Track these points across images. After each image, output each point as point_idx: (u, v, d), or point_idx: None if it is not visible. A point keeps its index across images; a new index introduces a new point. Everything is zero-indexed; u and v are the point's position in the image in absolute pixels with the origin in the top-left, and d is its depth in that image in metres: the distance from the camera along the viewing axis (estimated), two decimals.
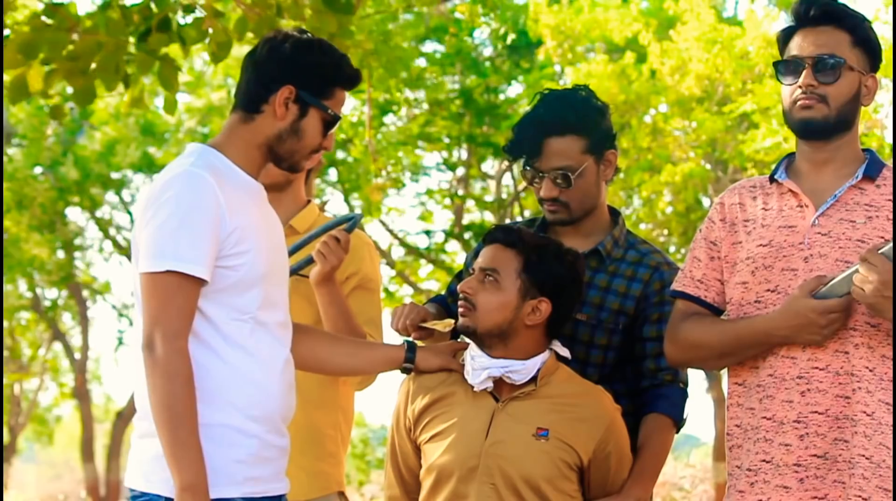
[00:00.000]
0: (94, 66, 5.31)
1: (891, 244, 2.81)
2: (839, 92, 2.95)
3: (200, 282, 2.77)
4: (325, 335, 3.29)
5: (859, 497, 2.84)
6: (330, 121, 2.96)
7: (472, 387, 3.22)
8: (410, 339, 3.31)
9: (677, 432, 3.42)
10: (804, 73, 2.97)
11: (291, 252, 3.38)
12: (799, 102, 2.97)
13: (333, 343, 3.25)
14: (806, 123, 2.96)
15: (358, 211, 3.86)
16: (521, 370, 3.19)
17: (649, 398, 3.41)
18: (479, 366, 3.20)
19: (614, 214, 3.59)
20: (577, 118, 3.46)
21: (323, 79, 2.94)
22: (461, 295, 3.22)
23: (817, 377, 2.89)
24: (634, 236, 3.58)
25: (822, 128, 2.96)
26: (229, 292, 2.82)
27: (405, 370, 3.31)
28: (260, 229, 2.90)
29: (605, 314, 3.43)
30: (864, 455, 2.85)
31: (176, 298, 2.74)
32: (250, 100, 2.92)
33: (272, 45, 2.94)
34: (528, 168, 3.52)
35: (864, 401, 2.87)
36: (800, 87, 2.97)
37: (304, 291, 3.53)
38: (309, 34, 2.99)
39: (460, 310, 3.21)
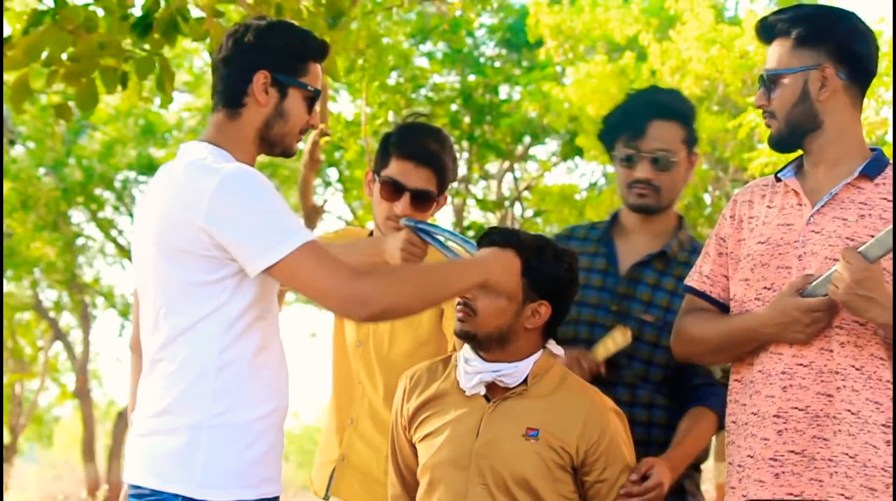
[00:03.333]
0: (94, 67, 5.32)
1: (871, 242, 2.81)
2: (781, 103, 2.98)
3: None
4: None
5: (842, 495, 2.83)
6: (311, 97, 2.96)
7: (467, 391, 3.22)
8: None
9: (715, 433, 3.46)
10: (759, 92, 3.05)
11: (420, 228, 3.44)
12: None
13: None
14: (769, 140, 3.02)
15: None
16: (512, 373, 3.18)
17: (701, 394, 3.46)
18: (471, 370, 3.19)
19: (679, 218, 3.68)
20: (682, 107, 3.62)
21: (293, 57, 2.94)
22: (460, 300, 3.20)
23: (800, 374, 2.90)
24: (697, 241, 3.64)
25: (778, 140, 3.00)
26: (252, 283, 2.82)
27: None
28: None
29: (671, 316, 3.43)
30: (847, 454, 2.84)
31: (322, 256, 2.74)
32: (231, 96, 2.92)
33: (235, 38, 2.94)
34: (626, 148, 3.57)
35: (850, 399, 2.86)
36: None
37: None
38: (268, 19, 2.99)
39: (459, 315, 3.19)
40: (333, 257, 2.76)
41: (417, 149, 3.57)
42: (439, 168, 3.59)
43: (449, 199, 19.78)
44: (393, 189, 3.57)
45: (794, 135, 2.98)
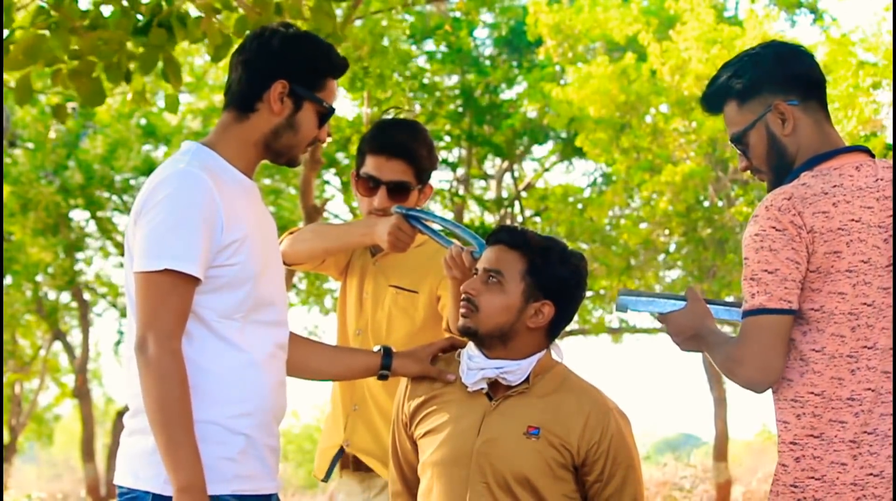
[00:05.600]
0: (97, 64, 5.33)
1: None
2: (758, 157, 3.04)
3: (195, 281, 2.77)
4: (308, 341, 3.29)
5: None
6: (324, 113, 2.96)
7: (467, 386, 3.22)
8: (388, 345, 3.38)
9: None
10: (738, 156, 3.13)
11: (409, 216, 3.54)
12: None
13: (314, 349, 3.28)
14: (767, 191, 3.07)
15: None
16: (515, 370, 3.18)
17: None
18: (474, 366, 3.20)
19: None
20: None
21: (314, 71, 2.94)
22: (463, 295, 3.21)
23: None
24: None
25: (775, 187, 3.03)
26: (220, 290, 2.82)
27: (382, 377, 3.34)
28: (254, 228, 2.89)
29: None
30: None
31: (170, 298, 2.74)
32: (243, 98, 2.92)
33: (260, 41, 2.93)
34: None
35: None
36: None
37: (403, 304, 3.67)
38: (295, 28, 2.98)
39: (462, 311, 3.20)
40: (179, 305, 2.75)
41: (388, 142, 3.67)
42: (412, 158, 3.67)
43: (449, 199, 19.77)
44: (369, 184, 3.69)
45: (781, 176, 3.03)
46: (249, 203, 2.92)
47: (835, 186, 2.91)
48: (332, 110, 2.97)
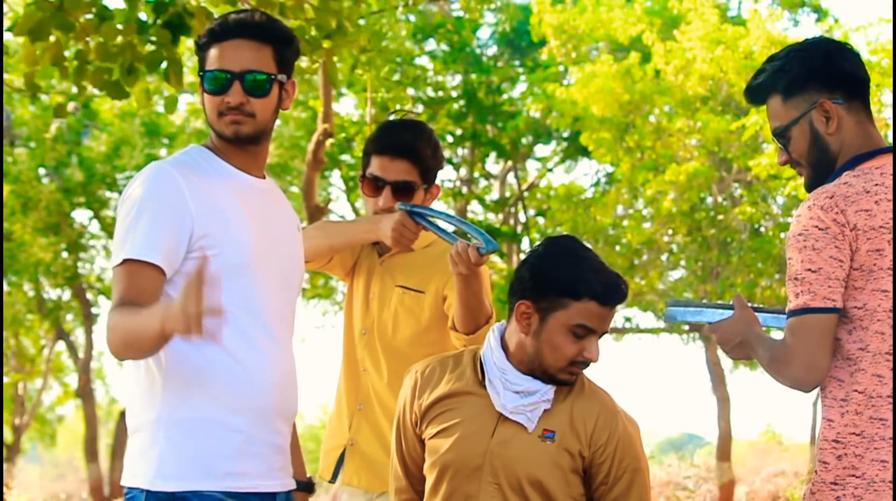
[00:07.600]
0: (114, 69, 5.35)
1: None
2: (798, 152, 3.04)
3: (157, 269, 2.78)
4: None
5: None
6: (210, 81, 2.94)
7: (489, 395, 3.18)
8: None
9: None
10: (778, 150, 3.14)
11: (419, 213, 3.57)
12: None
13: None
14: (805, 188, 3.09)
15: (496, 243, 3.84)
16: (550, 390, 3.19)
17: None
18: (521, 389, 3.16)
19: None
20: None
21: (200, 50, 2.98)
22: (584, 363, 3.18)
23: None
24: None
25: (813, 184, 3.04)
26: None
27: None
28: (241, 219, 2.88)
29: None
30: None
31: (124, 281, 2.77)
32: None
33: None
34: None
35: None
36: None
37: (409, 304, 3.69)
38: None
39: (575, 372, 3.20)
40: (133, 285, 2.77)
41: (392, 142, 3.69)
42: (417, 158, 3.69)
43: (451, 199, 19.75)
44: (374, 185, 3.71)
45: (820, 173, 3.03)
46: (238, 195, 2.91)
47: (876, 184, 2.91)
48: (210, 73, 2.94)
